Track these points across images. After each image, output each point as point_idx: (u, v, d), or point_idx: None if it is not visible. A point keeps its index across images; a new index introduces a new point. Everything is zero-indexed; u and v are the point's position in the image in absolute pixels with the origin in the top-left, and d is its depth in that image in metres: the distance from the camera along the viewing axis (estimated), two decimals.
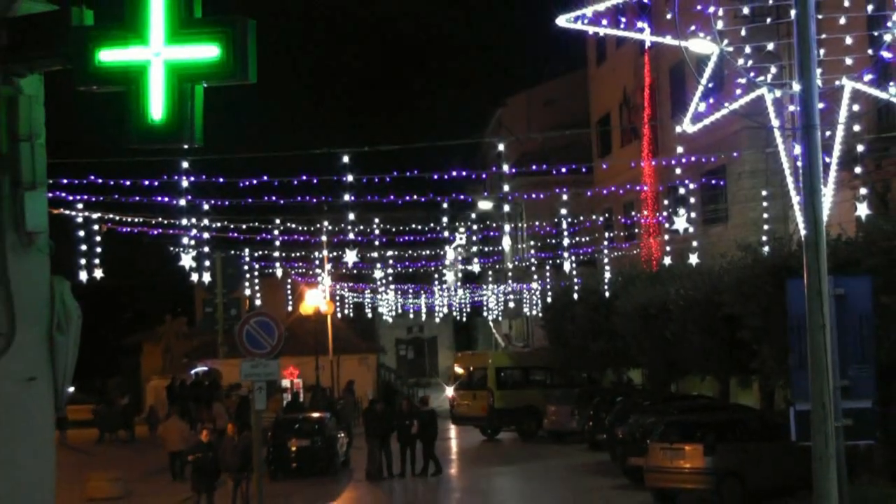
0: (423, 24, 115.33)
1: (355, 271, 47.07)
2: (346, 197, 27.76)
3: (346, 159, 25.20)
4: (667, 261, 31.05)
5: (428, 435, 29.97)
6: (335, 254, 42.51)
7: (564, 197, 34.14)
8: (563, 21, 16.16)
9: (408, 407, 31.86)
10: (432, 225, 39.73)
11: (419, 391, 54.76)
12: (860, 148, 18.99)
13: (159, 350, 58.23)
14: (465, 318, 64.92)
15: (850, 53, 14.91)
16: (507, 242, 42.88)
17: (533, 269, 45.42)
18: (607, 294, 34.61)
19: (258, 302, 41.09)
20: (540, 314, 46.27)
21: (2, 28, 7.79)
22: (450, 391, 50.10)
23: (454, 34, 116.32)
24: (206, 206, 30.20)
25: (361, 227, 38.25)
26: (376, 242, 40.74)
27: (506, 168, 32.48)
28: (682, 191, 29.56)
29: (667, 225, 32.37)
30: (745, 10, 15.73)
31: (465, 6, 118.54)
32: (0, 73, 7.80)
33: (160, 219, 30.33)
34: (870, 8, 14.83)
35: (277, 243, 37.85)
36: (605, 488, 27.68)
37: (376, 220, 38.09)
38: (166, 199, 27.44)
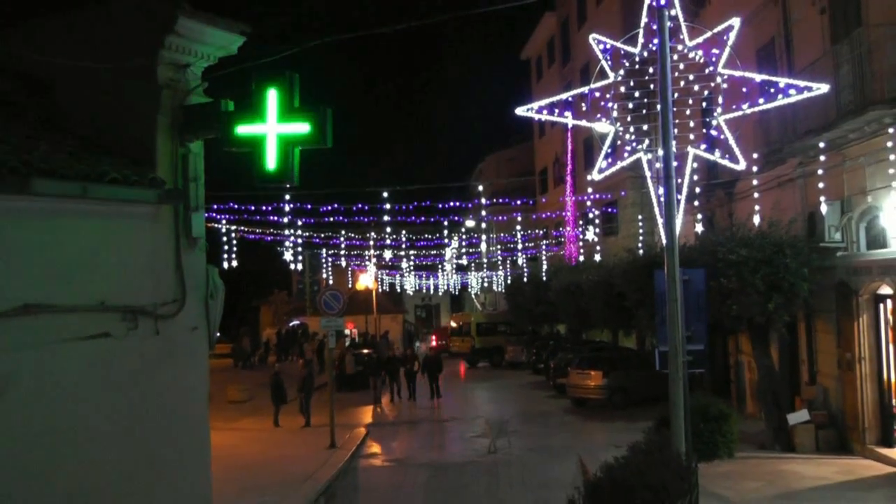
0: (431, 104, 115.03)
1: (390, 263, 47.09)
2: (385, 217, 27.94)
3: (385, 194, 25.39)
4: (581, 258, 31.13)
5: (434, 370, 28.49)
6: (378, 252, 42.54)
7: (519, 218, 34.21)
8: (520, 111, 16.18)
9: (411, 353, 31.37)
10: (437, 235, 39.80)
11: (428, 337, 54.69)
12: (697, 190, 19.04)
13: (270, 311, 58.33)
14: (457, 292, 64.90)
15: (692, 131, 14.98)
16: (483, 246, 43.02)
17: (499, 262, 45.44)
18: (545, 278, 34.69)
19: (331, 281, 41.10)
20: (503, 290, 46.28)
21: (180, 112, 7.87)
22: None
23: (459, 119, 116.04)
24: (299, 223, 30.30)
25: (394, 236, 38.43)
26: (403, 245, 40.85)
27: (483, 200, 32.59)
28: (590, 215, 29.68)
29: (581, 236, 32.43)
30: (630, 105, 15.76)
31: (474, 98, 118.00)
32: (178, 139, 7.88)
33: (271, 230, 30.40)
34: (704, 104, 14.93)
35: (343, 245, 37.91)
36: (542, 397, 27.79)
37: (403, 232, 38.17)
38: (275, 217, 27.52)
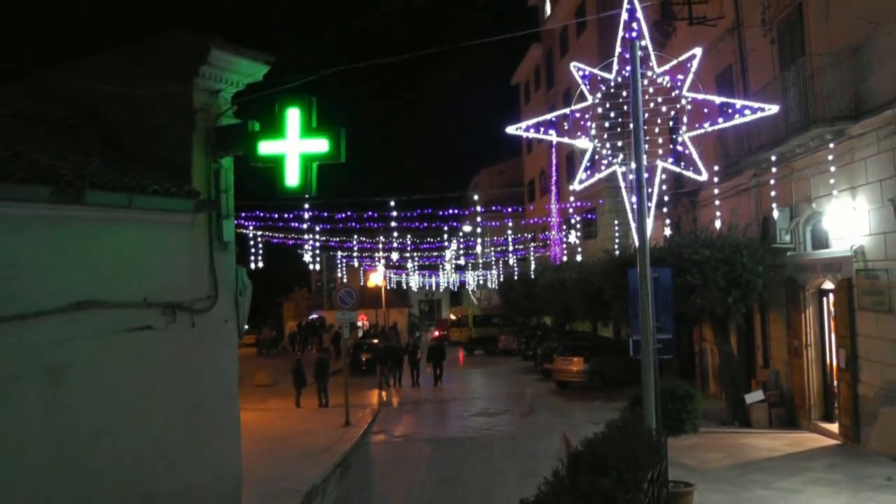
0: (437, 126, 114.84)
1: (397, 263, 47.07)
2: (392, 223, 27.95)
3: (392, 203, 25.40)
4: (564, 259, 31.09)
5: (438, 358, 27.92)
6: (386, 254, 42.58)
7: (510, 224, 34.21)
8: (510, 130, 16.17)
9: (413, 342, 31.08)
10: (438, 239, 39.81)
11: (430, 328, 54.58)
12: (666, 198, 19.07)
13: (292, 306, 58.16)
14: (456, 289, 64.82)
15: (660, 147, 15.03)
16: (478, 248, 43.02)
17: (492, 262, 45.44)
18: (533, 276, 34.61)
19: (345, 279, 41.08)
20: (497, 286, 46.26)
21: (212, 132, 7.93)
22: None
23: (456, 138, 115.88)
24: (317, 228, 30.32)
25: (400, 240, 38.44)
26: (408, 247, 40.86)
27: (478, 208, 32.65)
28: (572, 221, 29.68)
29: (564, 239, 32.44)
30: (607, 124, 15.81)
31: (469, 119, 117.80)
32: (211, 156, 7.93)
33: (293, 235, 30.43)
34: (670, 123, 14.98)
35: (355, 248, 37.94)
36: (530, 380, 27.67)
37: (408, 236, 38.18)
38: (296, 224, 27.56)
